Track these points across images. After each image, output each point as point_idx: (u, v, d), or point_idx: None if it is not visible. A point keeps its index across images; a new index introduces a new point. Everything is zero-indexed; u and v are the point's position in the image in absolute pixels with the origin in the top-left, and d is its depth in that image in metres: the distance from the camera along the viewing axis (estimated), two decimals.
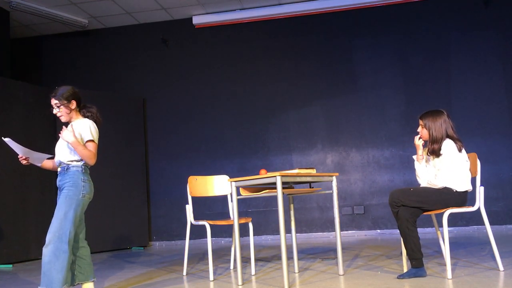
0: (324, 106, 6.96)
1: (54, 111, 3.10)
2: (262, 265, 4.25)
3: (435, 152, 3.32)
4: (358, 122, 6.86)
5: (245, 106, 7.18)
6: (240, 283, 3.34)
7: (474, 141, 6.38)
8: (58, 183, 3.06)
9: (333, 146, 6.89)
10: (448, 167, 3.24)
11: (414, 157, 3.52)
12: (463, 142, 3.36)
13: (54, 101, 3.08)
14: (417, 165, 3.49)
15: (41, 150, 3.19)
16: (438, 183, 3.26)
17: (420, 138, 3.46)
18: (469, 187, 3.30)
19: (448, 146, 3.27)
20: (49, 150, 6.56)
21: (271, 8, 7.09)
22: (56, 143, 3.15)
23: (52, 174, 6.23)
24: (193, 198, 4.10)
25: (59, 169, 3.09)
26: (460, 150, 3.28)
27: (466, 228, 6.35)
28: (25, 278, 4.35)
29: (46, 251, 2.82)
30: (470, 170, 3.34)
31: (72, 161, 3.02)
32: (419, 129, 3.46)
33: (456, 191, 3.24)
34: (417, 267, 3.16)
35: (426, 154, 3.44)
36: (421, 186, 3.44)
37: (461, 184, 3.25)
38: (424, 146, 3.47)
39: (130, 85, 7.50)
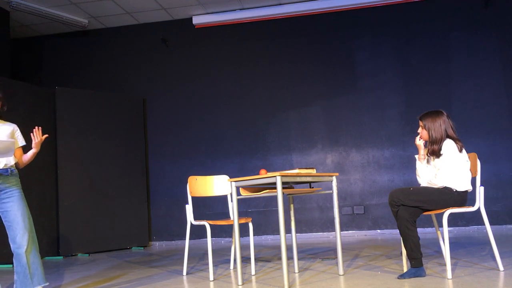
0: (324, 106, 6.96)
1: None
2: (262, 265, 4.25)
3: (435, 153, 3.32)
4: (358, 122, 6.86)
5: (245, 106, 7.18)
6: (240, 283, 3.34)
7: (474, 141, 6.38)
8: None
9: (333, 146, 6.89)
10: (448, 167, 3.24)
11: (416, 156, 3.53)
12: (463, 142, 3.36)
13: None
14: (418, 164, 3.49)
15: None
16: (438, 183, 3.26)
17: (420, 138, 3.47)
18: (469, 187, 3.30)
19: (449, 145, 3.27)
20: (49, 151, 6.52)
21: (271, 8, 7.09)
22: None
23: (52, 174, 6.25)
24: (193, 198, 4.10)
25: None
26: (460, 150, 3.28)
27: (466, 228, 6.35)
28: None
29: (29, 253, 2.95)
30: (470, 170, 3.34)
31: (12, 165, 3.07)
32: (419, 130, 3.46)
33: (456, 190, 3.24)
34: (416, 266, 3.17)
35: (426, 154, 3.44)
36: (421, 185, 3.45)
37: (461, 184, 3.25)
38: (425, 145, 3.48)
39: (130, 85, 7.51)
